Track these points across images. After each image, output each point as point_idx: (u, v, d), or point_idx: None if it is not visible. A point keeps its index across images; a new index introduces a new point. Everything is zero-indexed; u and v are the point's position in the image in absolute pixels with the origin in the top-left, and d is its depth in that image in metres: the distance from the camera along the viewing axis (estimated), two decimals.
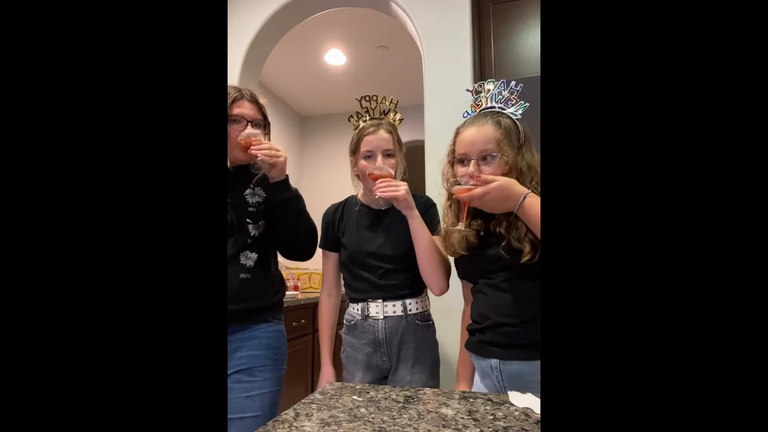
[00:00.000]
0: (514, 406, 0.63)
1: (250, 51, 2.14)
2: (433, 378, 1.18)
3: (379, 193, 1.07)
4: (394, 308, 1.16)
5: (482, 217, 0.97)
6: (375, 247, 1.19)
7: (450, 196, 1.00)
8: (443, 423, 0.56)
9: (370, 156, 1.17)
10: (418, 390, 0.72)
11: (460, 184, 0.88)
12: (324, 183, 4.06)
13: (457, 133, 0.98)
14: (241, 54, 2.12)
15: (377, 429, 0.53)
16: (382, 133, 1.18)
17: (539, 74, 1.30)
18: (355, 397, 0.67)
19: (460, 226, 0.92)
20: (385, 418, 0.57)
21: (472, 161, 0.92)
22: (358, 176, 1.26)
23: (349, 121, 1.27)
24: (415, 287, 1.19)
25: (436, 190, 1.71)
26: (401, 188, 1.07)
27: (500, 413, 0.60)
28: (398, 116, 1.27)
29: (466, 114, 1.01)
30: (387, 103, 1.24)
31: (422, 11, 1.90)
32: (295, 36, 2.67)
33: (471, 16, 1.82)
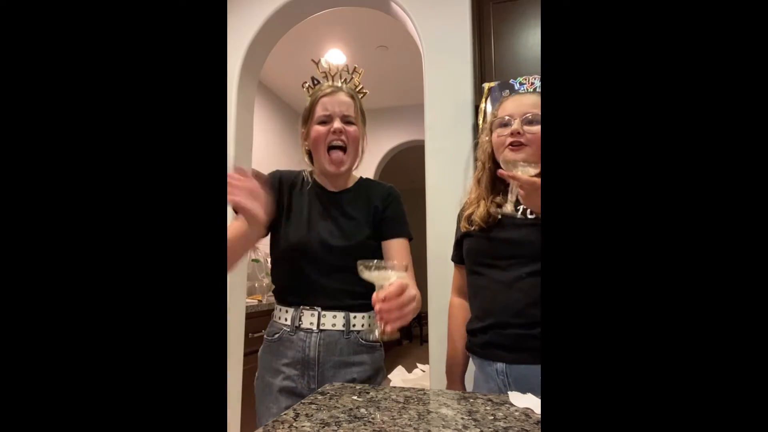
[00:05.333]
0: (514, 406, 0.63)
1: (250, 51, 2.14)
2: None
3: (381, 329, 0.71)
4: (333, 320, 0.93)
5: (504, 194, 0.95)
6: (325, 236, 0.96)
7: (483, 167, 1.00)
8: (443, 423, 0.55)
9: (325, 121, 0.97)
10: (418, 390, 0.72)
11: (524, 168, 0.83)
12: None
13: (501, 102, 1.00)
14: (241, 54, 2.12)
15: (377, 429, 0.53)
16: (342, 96, 0.98)
17: (539, 74, 1.30)
18: (355, 397, 0.67)
19: (508, 206, 0.86)
20: (385, 418, 0.57)
21: (516, 120, 0.92)
22: (309, 152, 1.03)
23: (303, 87, 1.06)
24: (366, 299, 0.85)
25: (436, 190, 1.72)
26: (408, 308, 0.70)
27: (500, 413, 0.60)
28: (361, 86, 1.07)
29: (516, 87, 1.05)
30: (349, 72, 1.05)
31: (422, 11, 1.90)
32: (295, 36, 2.67)
33: (471, 16, 1.82)
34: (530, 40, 1.74)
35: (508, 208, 0.85)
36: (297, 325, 0.94)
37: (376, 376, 0.97)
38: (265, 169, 1.09)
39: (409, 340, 6.07)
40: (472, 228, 0.95)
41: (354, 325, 0.94)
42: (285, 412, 0.60)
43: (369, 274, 0.73)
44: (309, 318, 0.93)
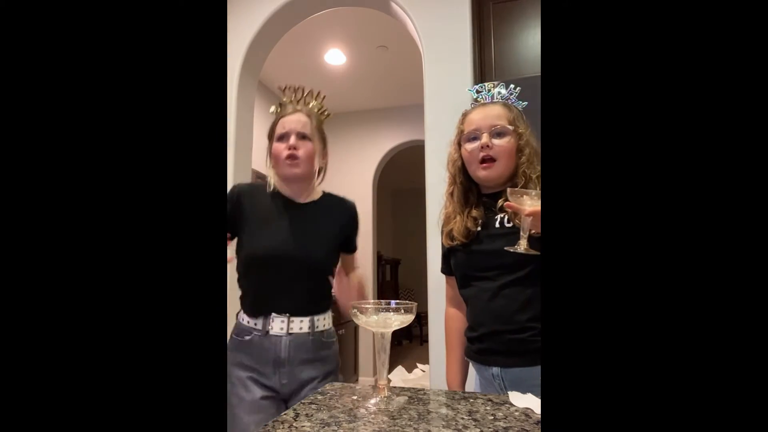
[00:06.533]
0: (514, 406, 0.63)
1: (250, 51, 2.14)
2: None
3: None
4: (301, 324, 1.03)
5: (484, 206, 0.96)
6: (288, 248, 1.03)
7: (454, 180, 0.99)
8: (443, 423, 0.55)
9: (283, 137, 1.07)
10: (418, 390, 0.72)
11: (531, 198, 0.75)
12: (323, 181, 4.06)
13: (464, 115, 0.99)
14: (241, 54, 2.12)
15: (377, 429, 0.53)
16: (300, 116, 1.09)
17: (539, 74, 1.30)
18: (355, 398, 0.67)
19: (522, 245, 0.79)
20: (385, 418, 0.57)
21: (484, 134, 0.91)
22: (273, 166, 1.13)
23: (271, 112, 1.19)
24: (326, 301, 1.09)
25: (436, 190, 1.72)
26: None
27: (500, 413, 0.60)
28: (324, 108, 1.18)
29: (472, 104, 1.01)
30: (313, 96, 1.18)
31: (422, 11, 1.90)
32: (295, 36, 2.67)
33: (471, 16, 1.82)
34: (530, 40, 1.74)
35: (522, 246, 0.79)
36: (267, 330, 1.03)
37: (336, 368, 1.11)
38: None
39: (409, 340, 6.07)
40: (454, 243, 0.97)
41: (317, 327, 1.06)
42: (285, 412, 0.60)
43: (366, 320, 0.68)
44: (279, 324, 1.03)
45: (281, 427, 0.54)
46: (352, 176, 3.90)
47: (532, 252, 0.79)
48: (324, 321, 1.08)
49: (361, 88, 3.57)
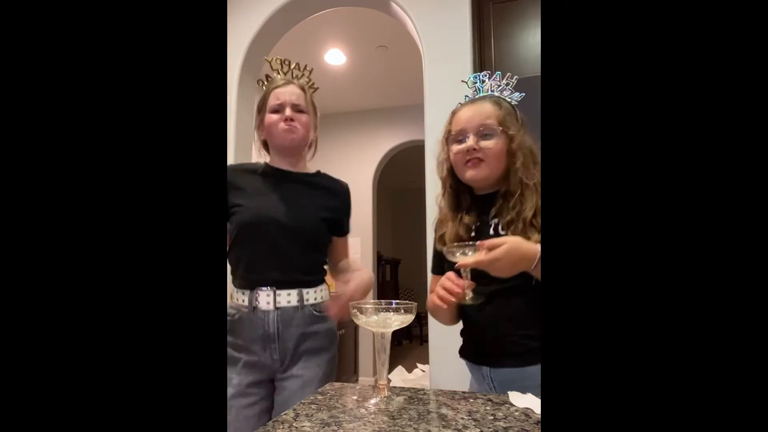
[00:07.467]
0: (514, 406, 0.63)
1: (250, 51, 2.14)
2: (329, 375, 1.04)
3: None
4: (288, 297, 1.00)
5: (477, 212, 0.94)
6: (278, 215, 1.00)
7: (444, 185, 0.97)
8: (443, 423, 0.56)
9: (278, 110, 1.05)
10: (418, 390, 0.72)
11: (463, 253, 0.78)
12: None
13: (453, 113, 0.96)
14: (241, 54, 2.12)
15: (377, 429, 0.53)
16: (294, 88, 1.07)
17: (539, 74, 1.30)
18: (355, 397, 0.67)
19: (469, 296, 0.80)
20: (385, 418, 0.57)
21: (471, 136, 0.88)
22: (264, 142, 1.12)
23: (258, 84, 1.16)
24: (317, 274, 1.05)
25: (436, 190, 1.72)
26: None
27: (500, 413, 0.60)
28: (312, 82, 1.15)
29: (465, 98, 0.99)
30: (300, 69, 1.15)
31: (422, 11, 1.90)
32: (295, 36, 2.67)
33: (471, 16, 1.82)
34: (530, 40, 1.74)
35: (467, 296, 0.80)
36: (255, 305, 1.00)
37: (331, 344, 1.06)
38: None
39: (409, 340, 6.06)
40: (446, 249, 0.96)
41: (307, 300, 1.02)
42: (285, 412, 0.60)
43: (366, 320, 0.68)
44: (265, 298, 0.99)
45: (281, 427, 0.54)
46: (352, 176, 3.88)
47: (479, 301, 0.81)
48: (315, 294, 1.03)
49: (361, 88, 3.56)
